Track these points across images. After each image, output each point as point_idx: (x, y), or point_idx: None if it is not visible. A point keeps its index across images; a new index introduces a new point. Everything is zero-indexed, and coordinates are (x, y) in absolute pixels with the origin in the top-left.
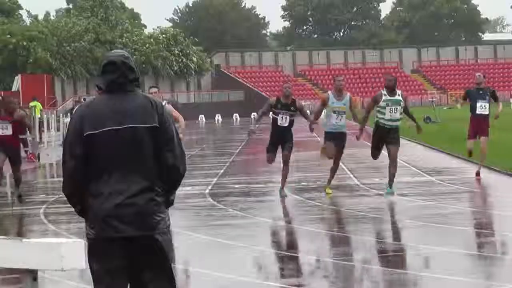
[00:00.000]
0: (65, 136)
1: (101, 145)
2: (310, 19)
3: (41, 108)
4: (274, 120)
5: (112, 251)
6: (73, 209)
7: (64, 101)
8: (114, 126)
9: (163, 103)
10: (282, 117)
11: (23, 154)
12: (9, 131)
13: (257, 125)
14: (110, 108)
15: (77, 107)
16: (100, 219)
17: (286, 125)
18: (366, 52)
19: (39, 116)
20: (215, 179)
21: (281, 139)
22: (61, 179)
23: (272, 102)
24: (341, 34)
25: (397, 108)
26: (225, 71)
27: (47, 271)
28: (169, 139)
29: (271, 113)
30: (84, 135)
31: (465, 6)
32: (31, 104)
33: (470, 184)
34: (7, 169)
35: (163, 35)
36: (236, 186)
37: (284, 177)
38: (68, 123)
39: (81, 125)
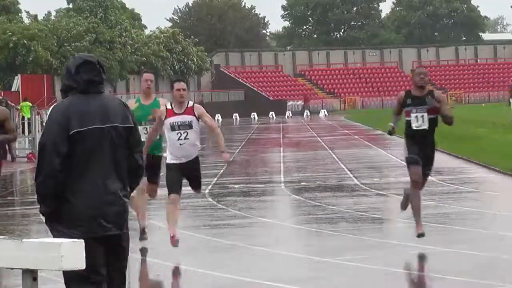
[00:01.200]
0: (44, 135)
1: (84, 143)
2: (310, 19)
3: (31, 106)
4: (408, 123)
5: (96, 250)
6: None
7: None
8: (99, 124)
9: (192, 103)
10: (417, 116)
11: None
12: None
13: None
14: (93, 106)
15: (53, 106)
16: (88, 218)
17: (425, 127)
18: (366, 52)
19: (28, 116)
20: (215, 179)
21: (423, 150)
22: None
23: (400, 98)
24: (341, 34)
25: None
26: (225, 71)
27: (47, 271)
28: (139, 140)
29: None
30: (71, 133)
31: (465, 6)
32: (22, 104)
33: (470, 184)
34: None
35: (163, 35)
36: (236, 186)
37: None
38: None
39: (66, 123)
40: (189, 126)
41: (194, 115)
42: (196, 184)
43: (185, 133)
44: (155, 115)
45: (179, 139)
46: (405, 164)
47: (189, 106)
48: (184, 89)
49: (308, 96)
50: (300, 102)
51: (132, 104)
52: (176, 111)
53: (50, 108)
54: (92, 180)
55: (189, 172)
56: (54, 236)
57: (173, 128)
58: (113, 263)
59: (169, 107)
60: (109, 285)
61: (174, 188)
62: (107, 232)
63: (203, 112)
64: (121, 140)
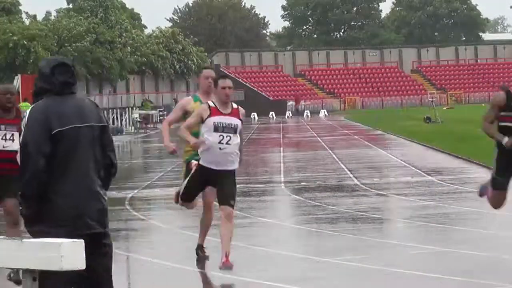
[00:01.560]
0: (26, 136)
1: (65, 143)
2: (310, 19)
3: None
4: (503, 130)
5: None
6: None
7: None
8: (78, 123)
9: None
10: None
11: None
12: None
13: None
14: (70, 107)
15: (31, 107)
16: (72, 217)
17: None
18: (366, 52)
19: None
20: None
21: None
22: None
23: (501, 101)
24: (341, 34)
25: None
26: (225, 71)
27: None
28: (111, 139)
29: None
30: (53, 132)
31: (465, 6)
32: (21, 104)
33: (470, 184)
34: None
35: (163, 35)
36: (236, 186)
37: None
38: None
39: (48, 123)
40: (234, 130)
41: (240, 119)
42: (229, 197)
43: (228, 137)
44: None
45: (220, 142)
46: (490, 181)
47: (234, 107)
48: (230, 87)
49: (299, 96)
50: (292, 103)
51: (190, 103)
52: (222, 111)
53: (28, 110)
54: (73, 180)
55: (221, 183)
56: (35, 238)
57: (216, 129)
58: (98, 261)
59: (212, 104)
60: (96, 284)
61: (189, 196)
62: (91, 230)
63: (243, 118)
64: (97, 139)
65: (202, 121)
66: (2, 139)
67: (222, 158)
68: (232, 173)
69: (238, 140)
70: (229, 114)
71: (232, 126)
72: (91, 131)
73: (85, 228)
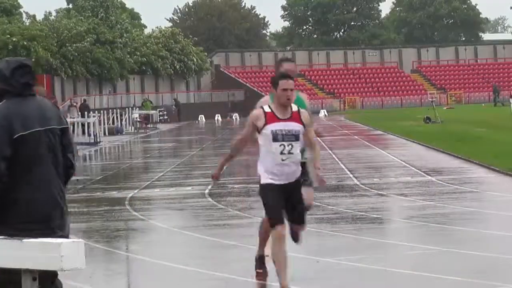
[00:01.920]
0: None
1: (27, 147)
2: (310, 19)
3: None
4: None
5: None
6: (74, 209)
7: (63, 101)
8: (39, 127)
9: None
10: None
11: None
12: None
13: None
14: (32, 109)
15: None
16: (37, 221)
17: None
18: (366, 52)
19: None
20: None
21: None
22: None
23: None
24: (341, 34)
25: None
26: (225, 71)
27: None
28: (71, 141)
29: None
30: (15, 137)
31: (465, 6)
32: None
33: (470, 184)
34: None
35: (163, 35)
36: (236, 186)
37: None
38: None
39: (9, 127)
40: (296, 137)
41: (302, 123)
42: (298, 217)
43: (290, 146)
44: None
45: (282, 152)
46: None
47: (294, 110)
48: (292, 89)
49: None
50: None
51: (268, 102)
52: (279, 116)
53: None
54: (36, 184)
55: (289, 199)
56: None
57: (275, 138)
58: None
59: (267, 109)
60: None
61: (277, 215)
62: (56, 234)
63: (310, 121)
64: (58, 141)
65: (258, 130)
66: None
67: (286, 169)
68: (299, 184)
69: (301, 146)
70: (288, 119)
71: (293, 132)
72: (52, 134)
73: (49, 231)
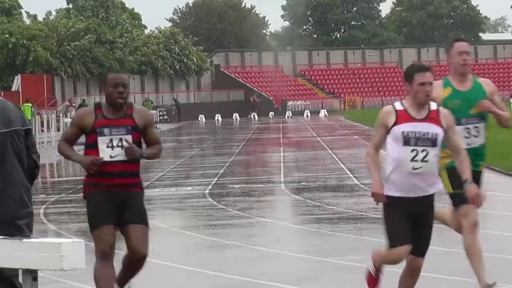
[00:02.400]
0: None
1: None
2: (310, 19)
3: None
4: None
5: None
6: (74, 209)
7: (63, 101)
8: (4, 129)
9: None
10: None
11: None
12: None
13: None
14: None
15: None
16: (5, 223)
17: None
18: (366, 52)
19: (29, 118)
20: (215, 179)
21: None
22: (62, 179)
23: None
24: (341, 34)
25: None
26: (225, 71)
27: (47, 271)
28: (34, 142)
29: None
30: None
31: (465, 6)
32: (25, 105)
33: None
34: None
35: (163, 35)
36: (236, 186)
37: None
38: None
39: None
40: (433, 142)
41: (441, 126)
42: (422, 244)
43: (425, 152)
44: (481, 109)
45: (413, 159)
46: None
47: (432, 109)
48: (431, 83)
49: (280, 96)
50: (295, 103)
51: (439, 90)
52: (413, 115)
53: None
54: (3, 184)
55: (416, 217)
56: None
57: (406, 141)
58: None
59: (399, 107)
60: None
61: (401, 236)
62: (24, 234)
63: (452, 123)
64: (23, 142)
65: (387, 130)
66: (108, 147)
67: (417, 181)
68: (432, 197)
69: (437, 156)
70: (424, 119)
71: (430, 136)
72: (16, 135)
73: (18, 233)
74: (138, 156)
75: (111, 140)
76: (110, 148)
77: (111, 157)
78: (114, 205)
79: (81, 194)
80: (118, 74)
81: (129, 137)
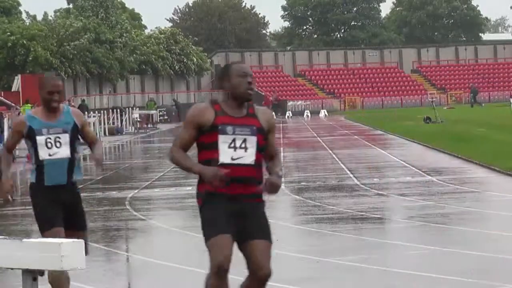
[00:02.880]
0: None
1: None
2: (310, 19)
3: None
4: None
5: None
6: None
7: (63, 101)
8: None
9: None
10: None
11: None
12: None
13: None
14: None
15: None
16: None
17: None
18: (366, 52)
19: None
20: None
21: None
22: None
23: None
24: (341, 34)
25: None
26: None
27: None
28: None
29: None
30: None
31: (465, 6)
32: (24, 107)
33: (470, 184)
34: None
35: (163, 35)
36: None
37: None
38: None
39: None
40: None
41: None
42: None
43: None
44: None
45: None
46: None
47: None
48: None
49: (269, 96)
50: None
51: None
52: None
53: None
54: None
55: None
56: None
57: None
58: None
59: None
60: None
61: None
62: None
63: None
64: None
65: None
66: (230, 147)
67: None
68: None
69: None
70: None
71: None
72: None
73: None
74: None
75: (233, 140)
76: (232, 149)
77: (232, 159)
78: (235, 216)
79: (82, 194)
80: (244, 65)
81: (254, 139)
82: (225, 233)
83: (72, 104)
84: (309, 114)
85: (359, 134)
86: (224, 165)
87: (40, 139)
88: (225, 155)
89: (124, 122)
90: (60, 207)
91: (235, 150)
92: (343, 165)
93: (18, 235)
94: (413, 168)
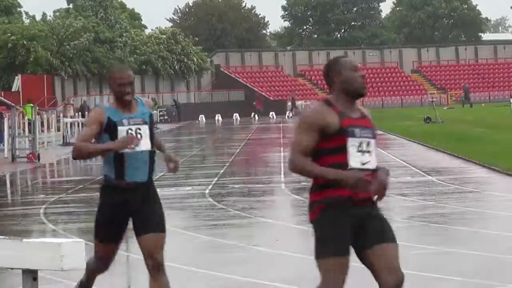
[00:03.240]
0: None
1: None
2: (310, 19)
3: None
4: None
5: None
6: (74, 209)
7: (64, 101)
8: None
9: None
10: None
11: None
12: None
13: None
14: None
15: None
16: None
17: None
18: (366, 52)
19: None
20: (215, 179)
21: None
22: (62, 179)
23: None
24: (341, 34)
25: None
26: (225, 71)
27: (47, 271)
28: None
29: None
30: None
31: (465, 6)
32: (26, 106)
33: (470, 184)
34: None
35: (163, 35)
36: (236, 186)
37: None
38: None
39: None
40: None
41: None
42: None
43: None
44: None
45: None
46: None
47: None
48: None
49: (257, 97)
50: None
51: None
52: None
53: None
54: None
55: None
56: None
57: None
58: None
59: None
60: None
61: None
62: None
63: None
64: None
65: None
66: (359, 151)
67: None
68: None
69: None
70: None
71: None
72: None
73: None
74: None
75: (360, 143)
76: (361, 153)
77: (362, 164)
78: (353, 227)
79: (82, 194)
80: (353, 61)
81: (374, 142)
82: (347, 254)
83: (72, 103)
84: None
85: None
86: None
87: (121, 129)
88: (355, 159)
89: None
90: (125, 216)
91: (363, 154)
92: None
93: (18, 235)
94: (413, 168)
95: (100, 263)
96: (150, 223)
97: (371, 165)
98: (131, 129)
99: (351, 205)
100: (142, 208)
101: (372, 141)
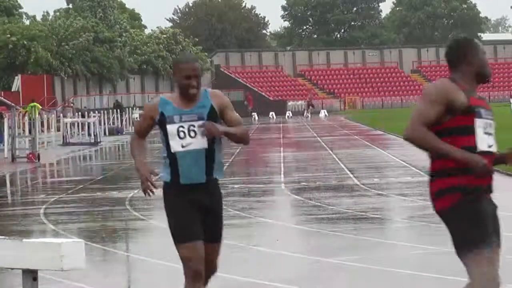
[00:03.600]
0: None
1: None
2: (310, 19)
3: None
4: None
5: None
6: (74, 209)
7: (63, 101)
8: None
9: None
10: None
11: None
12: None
13: None
14: None
15: None
16: None
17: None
18: (366, 52)
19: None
20: None
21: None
22: (62, 179)
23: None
24: (341, 34)
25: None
26: (225, 71)
27: (47, 271)
28: None
29: None
30: None
31: (464, 6)
32: (31, 105)
33: None
34: None
35: (163, 35)
36: (236, 186)
37: None
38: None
39: None
40: None
41: None
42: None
43: None
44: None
45: None
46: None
47: None
48: None
49: (250, 96)
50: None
51: None
52: None
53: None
54: None
55: None
56: None
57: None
58: None
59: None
60: None
61: None
62: None
63: None
64: None
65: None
66: (485, 133)
67: None
68: None
69: None
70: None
71: None
72: None
73: None
74: None
75: (486, 125)
76: (487, 135)
77: (489, 146)
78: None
79: (82, 194)
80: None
81: (494, 124)
82: (497, 247)
83: (71, 104)
84: (309, 114)
85: (359, 134)
86: (482, 154)
87: (171, 128)
88: (483, 142)
89: (124, 122)
90: (198, 213)
91: (489, 136)
92: (343, 165)
93: (18, 235)
94: (413, 168)
95: (192, 270)
96: (209, 231)
97: (494, 148)
98: (182, 127)
99: (484, 193)
100: (202, 212)
101: (493, 124)
